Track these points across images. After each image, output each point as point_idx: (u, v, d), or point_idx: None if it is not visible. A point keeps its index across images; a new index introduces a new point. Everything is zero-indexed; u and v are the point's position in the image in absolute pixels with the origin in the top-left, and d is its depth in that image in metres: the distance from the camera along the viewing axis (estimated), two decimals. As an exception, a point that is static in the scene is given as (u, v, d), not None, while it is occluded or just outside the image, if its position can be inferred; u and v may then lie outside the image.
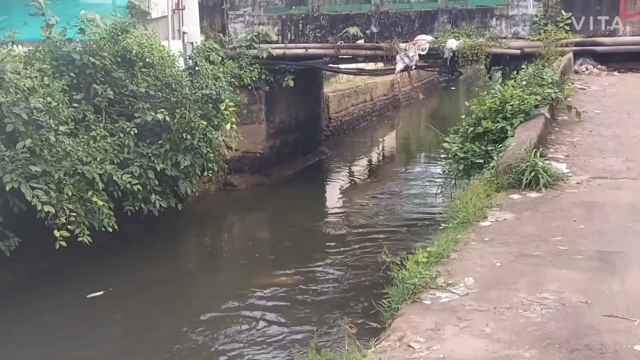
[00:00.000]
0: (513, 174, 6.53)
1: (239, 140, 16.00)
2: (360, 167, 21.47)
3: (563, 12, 14.53)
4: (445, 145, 9.03)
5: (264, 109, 17.10)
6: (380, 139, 27.11)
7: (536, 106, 8.66)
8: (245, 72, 16.28)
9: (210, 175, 12.84)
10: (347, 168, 20.86)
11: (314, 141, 20.27)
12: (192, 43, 15.30)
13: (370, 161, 22.65)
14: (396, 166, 21.67)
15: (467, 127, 9.12)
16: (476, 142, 8.78)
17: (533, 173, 6.44)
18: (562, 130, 8.79)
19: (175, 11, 15.09)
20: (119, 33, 11.00)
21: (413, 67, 15.66)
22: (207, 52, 15.93)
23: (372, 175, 20.43)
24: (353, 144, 24.52)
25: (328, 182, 19.22)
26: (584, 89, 11.84)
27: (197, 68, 12.13)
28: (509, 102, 8.67)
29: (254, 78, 16.39)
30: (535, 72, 9.67)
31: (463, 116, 9.58)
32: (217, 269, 12.74)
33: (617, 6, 14.37)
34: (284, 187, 17.47)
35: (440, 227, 5.99)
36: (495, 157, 7.64)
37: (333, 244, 13.59)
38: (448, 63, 15.30)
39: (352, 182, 19.42)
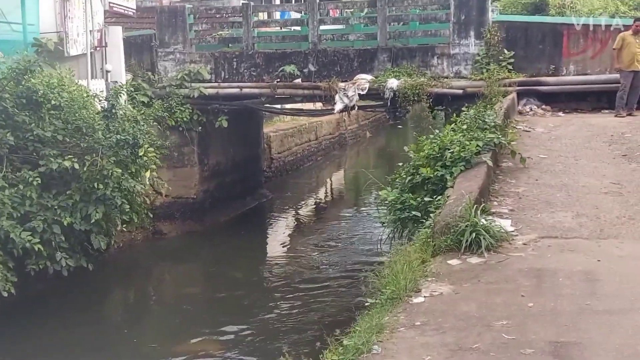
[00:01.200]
0: (451, 235, 5.69)
1: (169, 185, 14.99)
2: (303, 210, 20.54)
3: (505, 51, 14.05)
4: (381, 194, 8.21)
5: (197, 150, 16.08)
6: (326, 180, 26.29)
7: (478, 153, 7.93)
8: (175, 112, 15.27)
9: (125, 228, 11.68)
10: (290, 211, 19.90)
11: (253, 183, 19.29)
12: (115, 82, 14.23)
13: (314, 203, 21.74)
14: (342, 208, 20.78)
15: (404, 175, 8.34)
16: (414, 193, 8.00)
17: (474, 234, 5.61)
18: (506, 178, 8.04)
19: (97, 48, 14.05)
20: (23, 73, 9.90)
21: (353, 108, 14.91)
22: (133, 92, 14.93)
23: (317, 219, 19.51)
24: (297, 185, 23.61)
25: (268, 228, 18.19)
26: (529, 131, 11.24)
27: (113, 110, 11.05)
28: (448, 149, 7.92)
29: (185, 119, 15.39)
30: (476, 115, 8.98)
31: (401, 163, 8.80)
32: (139, 332, 11.49)
33: (560, 45, 13.97)
34: (219, 234, 16.37)
35: (366, 304, 5.07)
36: (433, 211, 6.83)
37: (270, 299, 12.56)
38: (389, 103, 14.62)
39: (295, 227, 18.43)
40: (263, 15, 22.07)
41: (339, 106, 14.75)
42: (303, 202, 21.46)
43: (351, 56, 14.98)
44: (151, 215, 13.32)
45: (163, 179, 15.27)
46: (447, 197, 6.79)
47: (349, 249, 15.70)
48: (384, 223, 8.24)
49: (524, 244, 5.76)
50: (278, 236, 17.60)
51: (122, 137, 10.29)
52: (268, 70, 15.35)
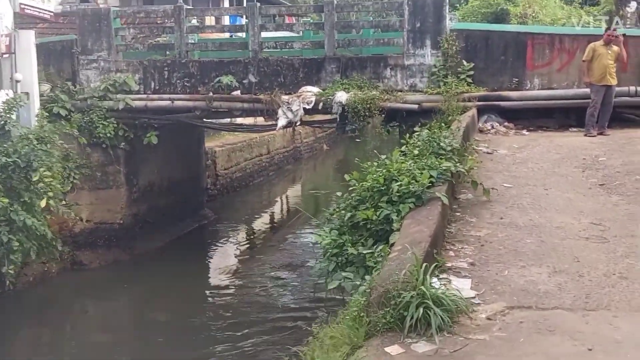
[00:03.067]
0: (392, 308, 4.20)
1: (91, 209, 13.30)
2: (250, 231, 18.90)
3: (464, 62, 12.72)
4: (315, 237, 6.70)
5: (124, 170, 14.38)
6: (278, 197, 24.69)
7: (431, 185, 6.49)
8: (97, 127, 13.57)
9: (13, 267, 9.95)
10: (234, 234, 18.24)
11: (193, 204, 17.61)
12: (27, 93, 12.48)
13: (263, 223, 20.11)
14: (294, 228, 19.12)
15: (343, 211, 6.85)
16: (355, 233, 6.52)
17: (421, 308, 4.12)
18: (465, 216, 6.60)
19: (5, 55, 12.29)
20: None
21: (298, 123, 13.41)
22: (49, 104, 13.23)
23: (264, 242, 17.91)
24: (245, 204, 21.96)
25: (208, 253, 16.49)
26: (491, 153, 9.87)
27: (6, 128, 9.34)
28: (396, 180, 6.45)
29: (109, 134, 13.69)
30: (430, 138, 7.53)
31: (339, 193, 7.30)
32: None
33: (523, 56, 12.69)
34: (150, 262, 14.62)
35: None
36: (373, 266, 5.34)
37: (207, 337, 11.05)
38: (338, 118, 13.15)
39: (239, 252, 16.78)
40: (210, 20, 20.53)
41: (281, 122, 13.24)
42: (251, 223, 19.84)
43: (296, 66, 13.50)
44: (59, 248, 11.56)
45: (84, 202, 13.67)
46: (390, 247, 5.33)
47: (298, 278, 14.15)
48: (319, 275, 6.71)
49: (488, 319, 4.30)
50: (219, 263, 15.96)
51: (11, 160, 8.57)
52: (203, 81, 13.77)
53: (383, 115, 12.74)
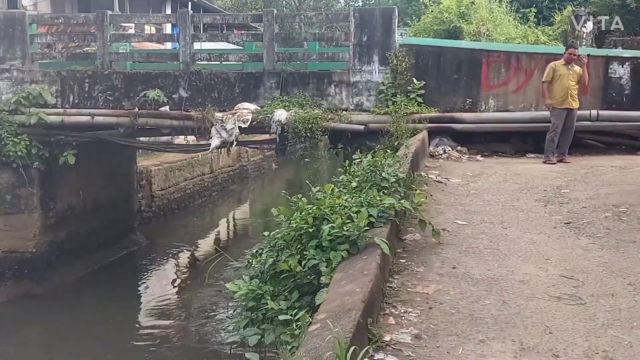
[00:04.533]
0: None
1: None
2: (186, 259, 17.40)
3: (415, 80, 11.71)
4: (229, 287, 5.45)
5: (38, 192, 12.86)
6: (222, 219, 23.27)
7: (371, 225, 5.33)
8: (7, 144, 12.05)
9: None
10: (168, 262, 16.74)
11: (121, 229, 16.14)
12: None
13: (203, 249, 18.61)
14: (236, 253, 17.69)
15: (266, 257, 5.65)
16: (278, 284, 5.31)
17: (343, 422, 2.91)
18: (411, 264, 5.44)
19: None
20: None
21: (233, 144, 12.15)
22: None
23: (202, 271, 16.41)
24: (184, 227, 20.45)
25: (134, 285, 14.95)
26: (442, 182, 8.78)
27: None
28: (328, 220, 5.26)
29: (19, 152, 12.18)
30: (372, 167, 6.38)
31: (267, 233, 6.06)
32: None
33: (478, 75, 11.74)
34: (68, 296, 13.08)
35: None
36: (287, 342, 4.12)
37: None
38: (277, 139, 11.96)
39: (170, 284, 15.29)
40: (150, 28, 19.15)
41: (215, 142, 11.98)
42: (188, 248, 18.35)
43: (231, 80, 12.27)
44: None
45: (-10, 228, 12.07)
46: (312, 314, 4.13)
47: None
48: (233, 328, 5.45)
49: None
50: (146, 296, 14.46)
51: None
52: (129, 95, 12.42)
53: (327, 137, 11.59)
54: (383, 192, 5.93)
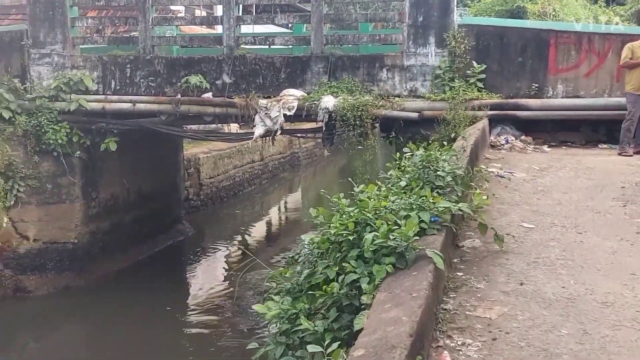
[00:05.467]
0: None
1: (39, 226, 11.43)
2: (236, 249, 16.79)
3: (475, 64, 10.76)
4: (257, 309, 4.74)
5: (80, 182, 12.48)
6: (273, 207, 22.71)
7: (422, 231, 4.56)
8: (47, 132, 11.69)
9: None
10: (216, 252, 16.20)
11: (167, 218, 15.73)
12: (-41, 92, 10.64)
13: (253, 239, 18.07)
14: (289, 244, 17.01)
15: (300, 268, 4.95)
16: (313, 301, 4.58)
17: None
18: (470, 278, 4.63)
19: None
20: None
21: (278, 132, 11.47)
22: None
23: (252, 262, 15.74)
24: (233, 216, 19.96)
25: (181, 277, 14.52)
26: (505, 177, 7.88)
27: None
28: (371, 225, 4.50)
29: (60, 140, 11.80)
30: (425, 162, 5.57)
31: (304, 236, 5.35)
32: None
33: (545, 57, 10.71)
34: (110, 288, 12.66)
35: None
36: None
37: None
38: (324, 127, 11.23)
39: (219, 276, 14.72)
40: (200, 12, 18.56)
41: (259, 130, 11.33)
42: (237, 238, 17.84)
43: (277, 65, 11.56)
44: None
45: (30, 219, 11.80)
46: (348, 351, 3.39)
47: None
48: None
49: None
50: (193, 288, 13.98)
51: None
52: (171, 81, 11.87)
53: (376, 125, 10.78)
54: (437, 192, 5.12)
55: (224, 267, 15.27)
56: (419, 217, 4.60)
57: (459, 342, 3.66)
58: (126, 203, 13.96)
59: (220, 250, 16.32)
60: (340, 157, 32.92)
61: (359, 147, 11.22)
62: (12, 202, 11.56)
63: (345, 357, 3.24)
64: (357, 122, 10.66)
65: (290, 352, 4.54)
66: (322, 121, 11.03)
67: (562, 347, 3.62)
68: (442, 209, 4.76)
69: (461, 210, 4.95)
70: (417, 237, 4.35)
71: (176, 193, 16.31)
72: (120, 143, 12.35)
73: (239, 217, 20.24)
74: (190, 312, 12.36)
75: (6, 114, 11.51)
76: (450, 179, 5.41)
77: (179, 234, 16.15)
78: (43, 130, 11.65)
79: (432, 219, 4.71)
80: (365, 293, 4.09)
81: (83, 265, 12.59)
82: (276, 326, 4.62)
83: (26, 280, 11.91)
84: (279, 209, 22.59)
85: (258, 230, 19.06)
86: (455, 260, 4.97)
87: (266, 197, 23.87)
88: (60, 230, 12.28)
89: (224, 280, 14.24)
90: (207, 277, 14.38)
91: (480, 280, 4.62)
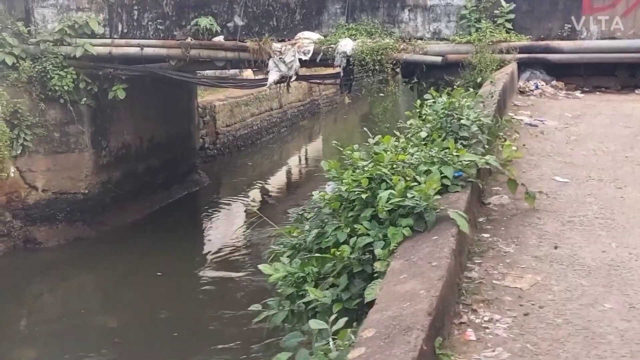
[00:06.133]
0: None
1: (48, 177, 11.10)
2: (252, 199, 16.39)
3: (503, 3, 10.02)
4: (262, 269, 4.27)
5: (89, 130, 12.07)
6: (292, 156, 22.21)
7: (444, 188, 4.04)
8: (52, 78, 11.22)
9: None
10: (232, 203, 15.78)
11: (182, 168, 15.32)
12: (-42, 36, 10.17)
13: (270, 188, 17.62)
14: (308, 193, 16.46)
15: (310, 228, 4.47)
16: (322, 264, 4.10)
17: None
18: (496, 242, 4.12)
19: None
20: None
21: (292, 78, 10.89)
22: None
23: (270, 212, 15.25)
24: (250, 166, 19.50)
25: (195, 228, 14.17)
26: (535, 125, 7.28)
27: None
28: (386, 182, 3.99)
29: (67, 87, 11.33)
30: (447, 111, 4.99)
31: (315, 193, 4.83)
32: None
33: (580, -5, 9.93)
34: (122, 240, 12.35)
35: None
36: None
37: (181, 333, 9.06)
38: (342, 73, 10.61)
39: (234, 227, 14.24)
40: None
41: (273, 76, 10.77)
42: (254, 188, 17.41)
43: (292, 6, 10.93)
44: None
45: (39, 168, 11.46)
46: (358, 324, 2.93)
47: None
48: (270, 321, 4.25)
49: None
50: (208, 239, 13.67)
51: None
52: (180, 24, 11.30)
53: (397, 70, 10.14)
54: (461, 144, 4.57)
55: (240, 219, 14.88)
56: (441, 173, 4.07)
57: (485, 318, 3.18)
58: (138, 152, 13.56)
59: (237, 201, 15.92)
60: (362, 104, 32.10)
61: (379, 93, 10.63)
62: (19, 151, 11.19)
63: (353, 338, 2.77)
64: (377, 67, 10.05)
65: (294, 318, 4.12)
66: (340, 66, 10.43)
67: (605, 325, 3.12)
68: (466, 162, 4.22)
69: (488, 164, 4.40)
70: (439, 196, 3.83)
71: (190, 142, 15.86)
72: (130, 90, 11.86)
73: (257, 167, 19.81)
74: (205, 266, 12.04)
75: (9, 60, 11.03)
76: (476, 128, 4.85)
77: (194, 184, 15.77)
78: (48, 76, 11.19)
79: (456, 174, 4.17)
80: (379, 259, 3.61)
81: (94, 217, 12.28)
82: (280, 289, 4.19)
83: (36, 231, 11.64)
84: (298, 159, 22.11)
85: (276, 181, 18.62)
86: (480, 220, 4.46)
87: (285, 146, 23.37)
88: (70, 181, 11.94)
89: (240, 233, 13.86)
90: (223, 230, 14.02)
91: (509, 243, 4.11)
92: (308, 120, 26.89)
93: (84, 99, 11.66)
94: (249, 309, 4.22)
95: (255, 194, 16.83)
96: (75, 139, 11.90)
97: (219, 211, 15.19)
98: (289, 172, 20.00)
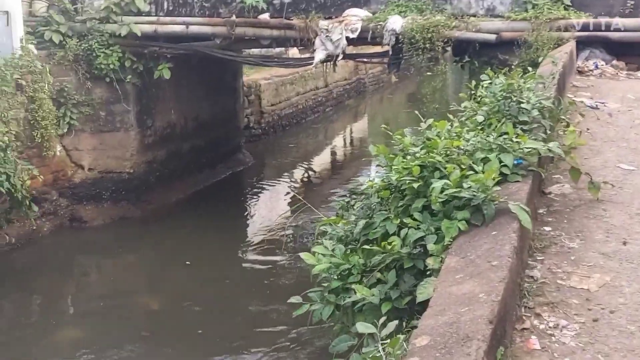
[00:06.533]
0: None
1: (94, 155, 11.13)
2: (298, 179, 16.23)
3: (562, -22, 9.54)
4: (304, 257, 4.05)
5: (134, 109, 12.03)
6: (337, 136, 21.93)
7: (502, 178, 3.74)
8: (98, 56, 11.18)
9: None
10: (277, 183, 15.64)
11: (226, 147, 15.23)
12: (6, 12, 10.19)
13: (316, 168, 17.41)
14: (355, 173, 16.21)
15: (355, 216, 4.25)
16: (370, 256, 3.85)
17: None
18: (559, 236, 3.81)
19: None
20: None
21: (339, 57, 10.60)
22: (41, 27, 10.94)
23: (316, 193, 15.10)
24: (295, 145, 19.31)
25: (240, 208, 14.06)
26: (596, 108, 6.85)
27: None
28: (440, 170, 3.72)
29: (112, 66, 11.29)
30: (506, 93, 4.67)
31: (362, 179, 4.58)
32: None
33: (645, -31, 9.36)
34: (167, 219, 12.31)
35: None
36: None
37: (227, 313, 9.08)
38: (390, 52, 10.28)
39: (281, 207, 14.10)
40: None
41: (319, 55, 10.51)
42: (299, 168, 17.23)
43: (339, -18, 10.58)
44: (35, 210, 9.46)
45: (85, 147, 11.48)
46: (408, 332, 2.69)
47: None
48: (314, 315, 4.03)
49: None
50: (253, 219, 13.55)
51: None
52: (226, 1, 11.10)
53: (447, 49, 9.77)
54: (521, 129, 4.25)
55: (285, 200, 14.70)
56: (500, 161, 3.77)
57: (550, 324, 2.90)
58: (183, 131, 13.49)
59: (280, 182, 15.77)
60: (409, 83, 31.53)
61: (428, 72, 10.29)
62: (66, 130, 11.22)
63: (405, 346, 2.53)
64: (427, 45, 9.70)
65: (340, 314, 3.90)
66: (389, 44, 10.10)
67: (688, 336, 2.81)
68: (528, 150, 3.91)
69: (551, 152, 4.08)
70: (497, 187, 3.54)
71: (235, 121, 15.74)
72: (176, 69, 11.77)
73: (302, 146, 19.61)
74: (250, 248, 11.90)
75: (56, 38, 11.03)
76: (537, 112, 4.52)
77: (238, 164, 15.67)
78: (94, 55, 11.15)
79: (516, 162, 3.87)
80: (431, 255, 3.35)
81: (139, 196, 12.29)
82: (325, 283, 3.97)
83: (82, 210, 11.69)
84: (343, 139, 21.81)
85: (321, 161, 18.41)
86: (541, 211, 4.15)
87: (330, 125, 23.08)
88: (116, 160, 11.95)
89: (285, 215, 13.68)
90: (267, 211, 13.87)
91: (573, 237, 3.80)
92: (354, 99, 26.52)
93: (130, 77, 11.61)
94: (289, 301, 4.03)
95: (299, 175, 16.65)
96: (120, 117, 11.88)
97: (263, 192, 15.08)
98: (333, 153, 19.75)
